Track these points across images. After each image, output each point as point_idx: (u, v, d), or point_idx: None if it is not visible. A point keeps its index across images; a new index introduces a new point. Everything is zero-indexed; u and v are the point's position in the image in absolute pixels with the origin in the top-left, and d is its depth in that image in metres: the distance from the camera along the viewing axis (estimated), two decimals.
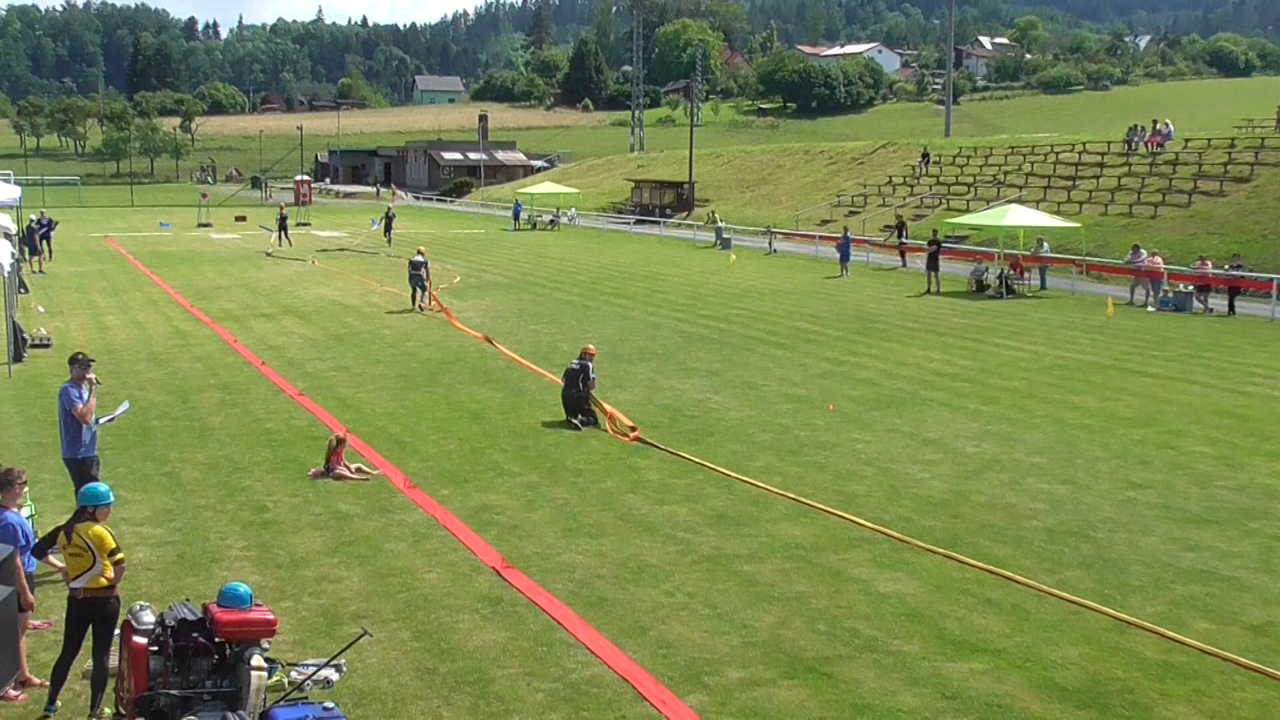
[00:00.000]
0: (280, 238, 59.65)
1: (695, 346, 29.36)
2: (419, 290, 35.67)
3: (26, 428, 20.23)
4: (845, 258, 48.16)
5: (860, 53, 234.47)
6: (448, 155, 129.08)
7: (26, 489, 11.53)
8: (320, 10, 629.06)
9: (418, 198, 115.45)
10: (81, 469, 13.84)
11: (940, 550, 14.22)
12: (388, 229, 62.61)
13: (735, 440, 19.74)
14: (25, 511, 11.32)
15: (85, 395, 13.97)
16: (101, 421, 14.35)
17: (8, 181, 57.16)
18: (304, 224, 73.77)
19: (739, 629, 11.83)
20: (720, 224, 64.63)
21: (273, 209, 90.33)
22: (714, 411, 22.00)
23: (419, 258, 36.42)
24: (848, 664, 11.05)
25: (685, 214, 78.43)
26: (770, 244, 59.02)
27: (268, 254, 54.70)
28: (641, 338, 30.67)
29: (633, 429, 20.05)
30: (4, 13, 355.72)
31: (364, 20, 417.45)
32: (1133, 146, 59.34)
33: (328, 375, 25.37)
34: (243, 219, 71.71)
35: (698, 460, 18.29)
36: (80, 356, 14.28)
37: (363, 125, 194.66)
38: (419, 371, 25.87)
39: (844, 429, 20.60)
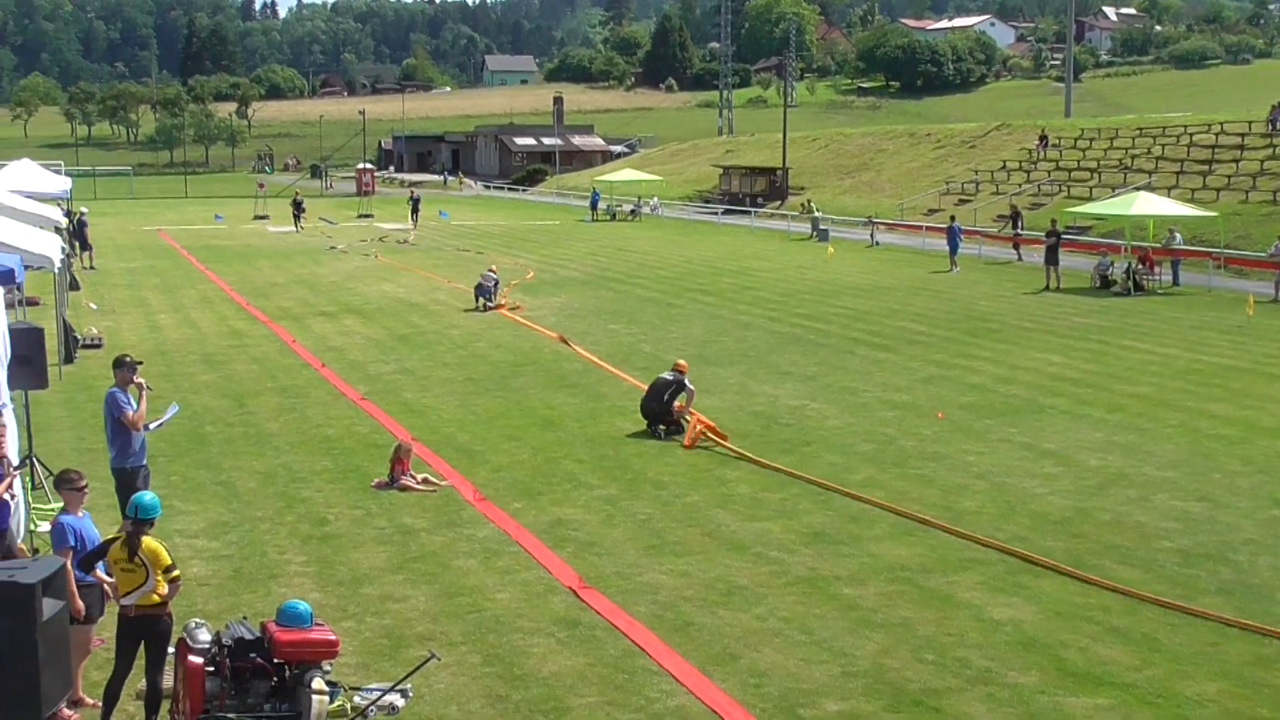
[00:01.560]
0: (414, 222, 65.78)
1: (789, 348, 29.26)
2: (484, 301, 35.83)
3: (77, 433, 20.65)
4: (954, 250, 47.74)
5: (970, 26, 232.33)
6: (520, 141, 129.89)
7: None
8: None
9: (488, 186, 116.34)
10: (129, 479, 13.98)
11: (1063, 569, 14.03)
12: (414, 211, 67.08)
13: (834, 451, 19.64)
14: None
15: (134, 400, 14.14)
16: (151, 427, 14.53)
17: (58, 172, 58.51)
18: (366, 215, 74.67)
19: (838, 657, 11.75)
20: (816, 214, 64.35)
21: (337, 200, 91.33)
22: (810, 420, 21.90)
23: (490, 274, 36.63)
24: (957, 697, 10.92)
25: (778, 203, 78.17)
26: (872, 236, 58.67)
27: (407, 241, 57.86)
28: (730, 339, 30.62)
29: (720, 436, 20.04)
30: None
31: None
32: (1277, 126, 58.18)
33: (391, 378, 25.63)
34: (331, 219, 72.70)
35: (792, 472, 18.21)
36: (126, 359, 14.47)
37: (429, 109, 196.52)
38: (489, 375, 26.03)
39: (953, 439, 20.42)
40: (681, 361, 22.06)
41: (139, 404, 14.11)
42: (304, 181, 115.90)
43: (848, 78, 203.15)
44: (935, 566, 14.31)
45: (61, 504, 11.23)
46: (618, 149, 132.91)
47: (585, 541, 15.22)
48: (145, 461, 14.43)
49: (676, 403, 20.85)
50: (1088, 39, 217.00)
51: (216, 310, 35.94)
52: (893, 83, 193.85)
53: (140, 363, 14.82)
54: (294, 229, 64.76)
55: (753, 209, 75.53)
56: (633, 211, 77.03)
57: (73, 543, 10.59)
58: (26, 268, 23.02)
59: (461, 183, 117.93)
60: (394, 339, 30.72)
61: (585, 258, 51.68)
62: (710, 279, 43.85)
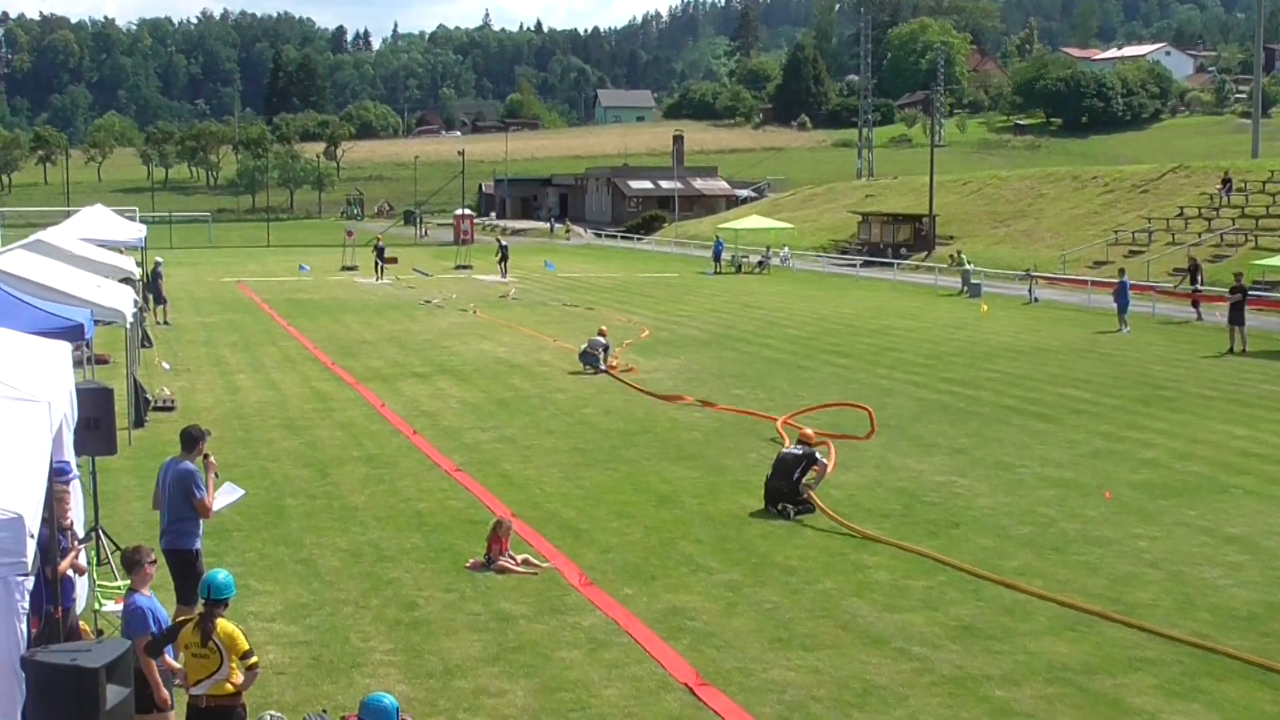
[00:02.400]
0: (502, 271, 68.43)
1: (936, 417, 29.02)
2: (589, 367, 36.00)
3: (146, 504, 21.00)
4: (1124, 308, 47.07)
5: (1143, 55, 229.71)
6: (635, 184, 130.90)
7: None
8: (486, 15, 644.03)
9: (599, 234, 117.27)
10: (191, 562, 14.13)
11: (1254, 664, 13.69)
12: (502, 260, 70.16)
13: (985, 534, 19.41)
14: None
15: (205, 483, 14.34)
16: (215, 508, 14.74)
17: (132, 219, 60.06)
18: (464, 266, 75.65)
19: None
20: (968, 266, 63.87)
21: (433, 249, 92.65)
22: (959, 498, 21.68)
23: (599, 339, 36.85)
24: None
25: (924, 254, 77.73)
26: (1030, 291, 58.07)
27: (508, 295, 58.58)
28: (869, 405, 30.42)
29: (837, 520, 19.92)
30: (134, 26, 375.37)
31: (537, 25, 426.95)
32: None
33: (490, 447, 25.84)
34: (393, 261, 73.83)
35: (938, 557, 18.03)
36: (195, 430, 14.75)
37: (534, 149, 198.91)
38: (598, 444, 26.14)
39: (1123, 521, 20.08)
40: (809, 431, 21.97)
41: (208, 484, 14.34)
42: (397, 229, 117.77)
43: (1003, 114, 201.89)
44: (1101, 666, 14.06)
45: (128, 582, 11.46)
46: (744, 193, 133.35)
47: (703, 632, 15.17)
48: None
49: (806, 479, 20.75)
50: (1278, 68, 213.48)
51: (299, 370, 36.58)
52: (1054, 119, 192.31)
53: (209, 433, 15.09)
54: (376, 279, 66.40)
55: (895, 261, 75.20)
56: (760, 263, 77.10)
57: (153, 628, 10.76)
58: (96, 322, 23.68)
59: (569, 231, 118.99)
60: (493, 403, 30.99)
61: (706, 314, 51.78)
62: (847, 339, 43.67)
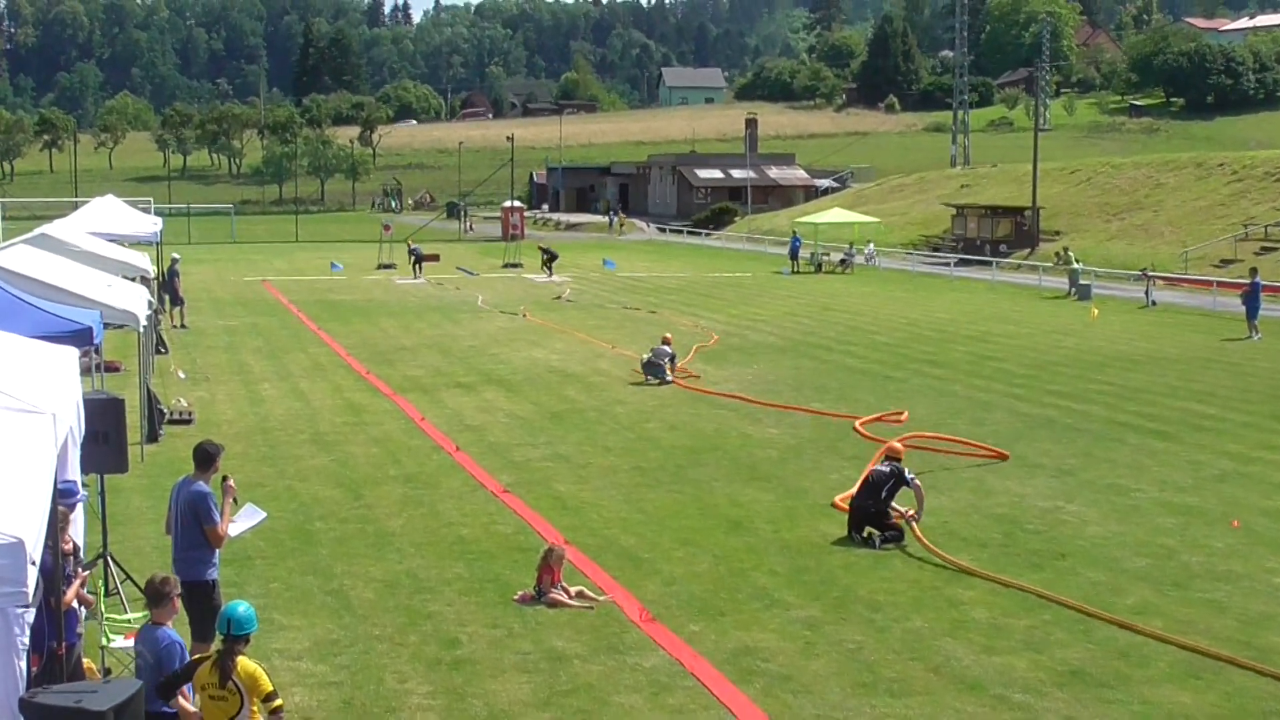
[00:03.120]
0: (548, 274, 68.89)
1: (1039, 434, 28.84)
2: (653, 378, 35.99)
3: (159, 527, 21.11)
4: (1254, 312, 46.60)
5: (1278, 25, 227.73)
6: (703, 173, 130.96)
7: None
8: None
9: (662, 229, 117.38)
10: (207, 593, 14.15)
11: None
12: (548, 262, 70.20)
13: (1096, 566, 19.26)
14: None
15: (220, 508, 14.37)
16: (232, 534, 14.78)
17: (147, 211, 60.57)
18: (514, 264, 75.90)
19: None
20: (1076, 265, 63.47)
21: (479, 245, 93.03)
22: (1066, 525, 21.53)
23: (664, 348, 36.80)
24: None
25: (1027, 251, 77.31)
26: (1148, 293, 57.64)
27: (562, 297, 58.93)
28: (965, 421, 30.27)
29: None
30: None
31: None
32: None
33: (541, 466, 25.86)
34: (435, 258, 74.12)
35: (1043, 593, 17.90)
36: (209, 447, 14.78)
37: (592, 134, 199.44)
38: (661, 463, 26.12)
39: (1254, 554, 19.88)
40: (897, 444, 21.85)
41: (224, 508, 14.37)
42: (439, 222, 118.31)
43: (1116, 93, 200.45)
44: (1231, 717, 13.93)
45: (139, 615, 11.50)
46: (825, 183, 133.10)
47: (778, 675, 15.10)
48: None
49: (895, 502, 20.64)
50: None
51: (330, 379, 36.77)
52: (1175, 99, 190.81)
53: (222, 448, 15.12)
54: (416, 278, 67.12)
55: (994, 259, 74.82)
56: (843, 261, 76.93)
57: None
58: (106, 325, 23.85)
59: (622, 225, 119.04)
60: (545, 417, 31.03)
61: (783, 318, 51.70)
62: (940, 346, 43.48)
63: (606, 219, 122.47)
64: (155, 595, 11.30)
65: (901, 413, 30.82)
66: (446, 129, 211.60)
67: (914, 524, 20.50)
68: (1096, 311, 53.46)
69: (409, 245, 70.16)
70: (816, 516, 22.00)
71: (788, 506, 22.72)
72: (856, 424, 29.44)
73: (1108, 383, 36.08)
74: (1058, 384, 35.81)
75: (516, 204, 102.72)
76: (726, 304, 56.89)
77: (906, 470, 20.87)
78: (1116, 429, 29.51)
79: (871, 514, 20.52)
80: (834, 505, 22.47)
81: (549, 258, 70.15)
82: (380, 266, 74.59)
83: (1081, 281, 60.84)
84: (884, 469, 20.89)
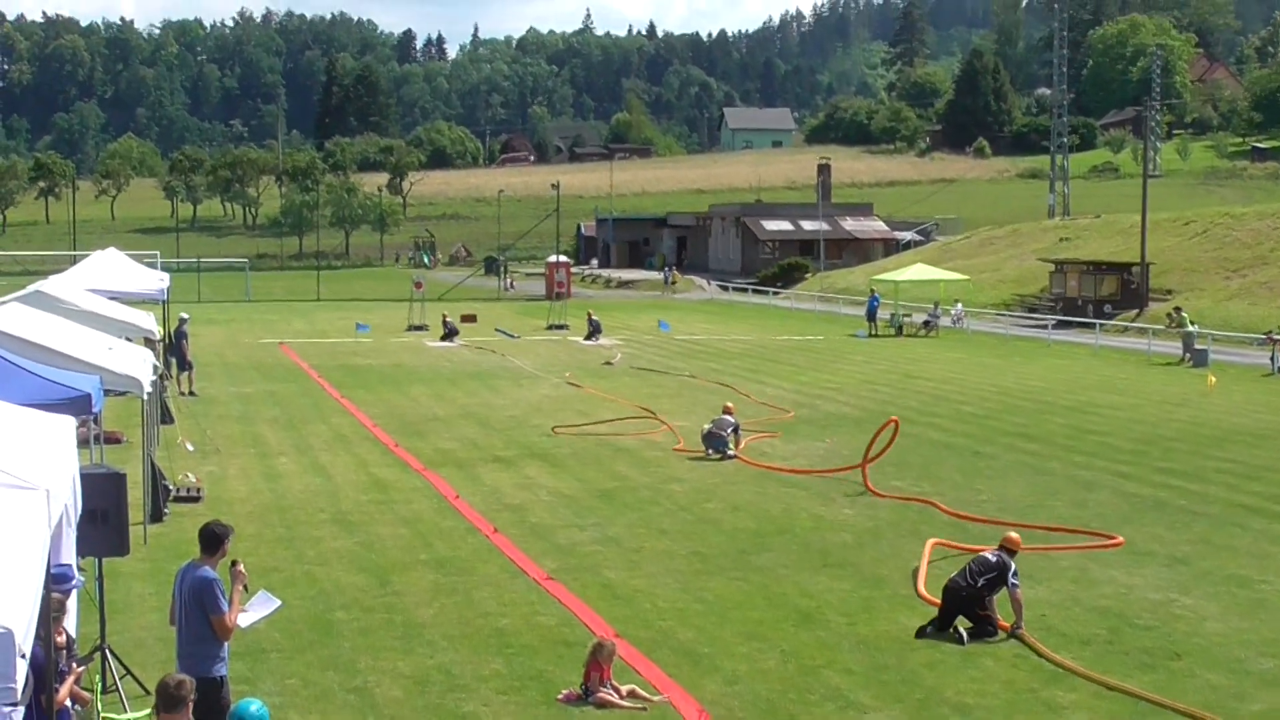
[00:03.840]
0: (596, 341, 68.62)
1: (1149, 518, 28.63)
2: (713, 451, 36.00)
3: (163, 616, 21.16)
4: None
5: None
6: (770, 224, 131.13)
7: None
8: (588, 16, 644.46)
9: (724, 287, 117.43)
10: (214, 692, 14.17)
11: None
12: (593, 334, 70.14)
13: (1216, 668, 19.10)
14: None
15: (229, 595, 14.36)
16: (242, 625, 14.76)
17: (153, 265, 61.03)
18: (559, 326, 76.07)
19: None
20: (1191, 327, 63.13)
21: (520, 304, 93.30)
22: (1180, 620, 21.35)
23: (726, 418, 36.79)
24: None
25: (1135, 312, 76.97)
26: (1273, 359, 57.28)
27: (611, 363, 59.15)
28: (1063, 502, 30.10)
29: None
30: (156, 30, 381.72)
31: (650, 29, 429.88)
32: None
33: (589, 551, 25.84)
34: (471, 319, 74.43)
35: (1154, 698, 17.76)
36: (216, 528, 14.79)
37: (646, 181, 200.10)
38: (723, 547, 26.05)
39: None
40: (1014, 535, 21.43)
41: (233, 595, 14.36)
42: (476, 279, 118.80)
43: (1237, 134, 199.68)
44: None
45: (145, 715, 11.51)
46: (906, 236, 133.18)
47: None
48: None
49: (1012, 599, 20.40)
50: None
51: (355, 453, 36.87)
52: None
53: (231, 530, 15.10)
54: (448, 343, 67.48)
55: (1097, 320, 74.52)
56: (926, 323, 76.78)
57: None
58: (107, 392, 24.01)
59: (675, 282, 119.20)
60: (593, 495, 31.02)
61: (859, 387, 51.62)
62: (1035, 418, 43.31)
63: (661, 275, 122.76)
64: (169, 699, 11.22)
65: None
66: (485, 175, 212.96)
67: (1014, 636, 20.22)
68: (1214, 380, 53.11)
69: (444, 319, 70.17)
70: (897, 608, 21.88)
71: (864, 597, 22.61)
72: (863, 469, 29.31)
73: (1228, 460, 35.80)
74: (1170, 461, 35.56)
75: (562, 259, 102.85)
76: (796, 370, 56.86)
77: (1013, 568, 20.50)
78: (1238, 512, 29.26)
79: (964, 598, 20.25)
80: (918, 594, 22.37)
81: (594, 329, 70.07)
82: (411, 328, 74.87)
83: (1197, 346, 60.46)
84: (991, 557, 20.63)
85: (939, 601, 20.85)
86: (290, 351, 63.99)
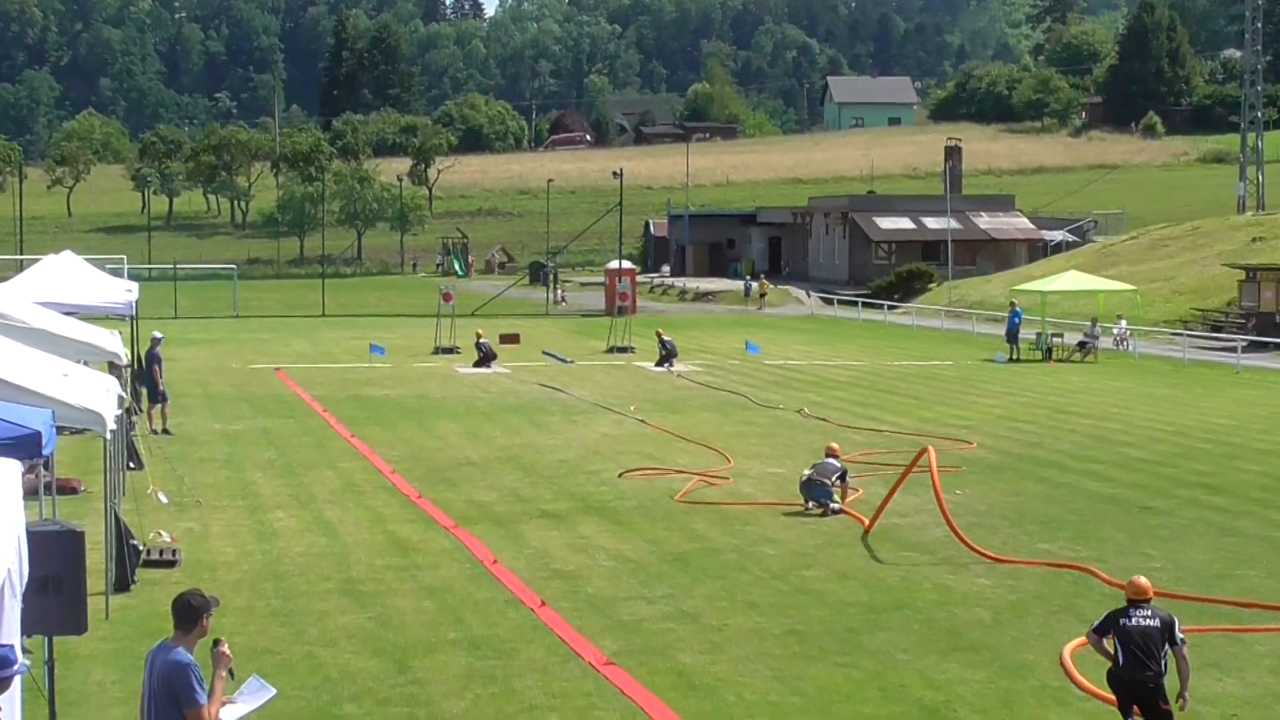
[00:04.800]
0: (668, 368, 68.78)
1: None
2: (816, 504, 35.97)
3: (130, 709, 21.23)
4: None
5: None
6: (886, 222, 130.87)
7: None
8: None
9: (828, 299, 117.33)
10: None
11: None
12: (666, 359, 69.67)
13: None
14: None
15: (204, 678, 14.31)
16: None
17: (119, 273, 61.32)
18: (622, 348, 76.03)
19: None
20: None
21: (573, 320, 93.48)
22: None
23: (831, 461, 36.67)
24: None
25: None
26: None
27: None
28: (1258, 571, 29.88)
29: None
30: None
31: None
32: None
33: (659, 629, 25.81)
34: (513, 340, 74.62)
35: None
36: (194, 599, 14.70)
37: (731, 168, 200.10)
38: (827, 625, 25.99)
39: None
40: (1142, 580, 20.67)
41: (214, 684, 14.31)
42: (518, 290, 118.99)
43: None
44: None
45: None
46: (1056, 236, 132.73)
47: None
48: None
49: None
50: None
51: (368, 505, 36.95)
52: None
53: (215, 602, 15.08)
54: (484, 369, 67.99)
55: None
56: (1082, 345, 76.46)
57: None
58: (60, 430, 24.06)
59: (763, 294, 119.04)
60: (664, 560, 30.96)
61: (997, 423, 51.49)
62: (1221, 465, 43.05)
63: (743, 285, 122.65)
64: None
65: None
66: (530, 162, 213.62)
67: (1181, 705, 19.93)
68: None
69: (477, 339, 69.98)
70: (1045, 702, 21.77)
71: (1004, 689, 22.52)
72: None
73: None
74: None
75: (626, 265, 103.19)
76: (917, 404, 56.73)
77: (1178, 624, 19.96)
78: None
79: (1150, 689, 19.65)
80: (1074, 682, 22.22)
81: (666, 353, 69.88)
82: (438, 350, 75.03)
83: None
84: (1151, 625, 20.02)
85: (1108, 694, 20.43)
86: (289, 379, 64.25)
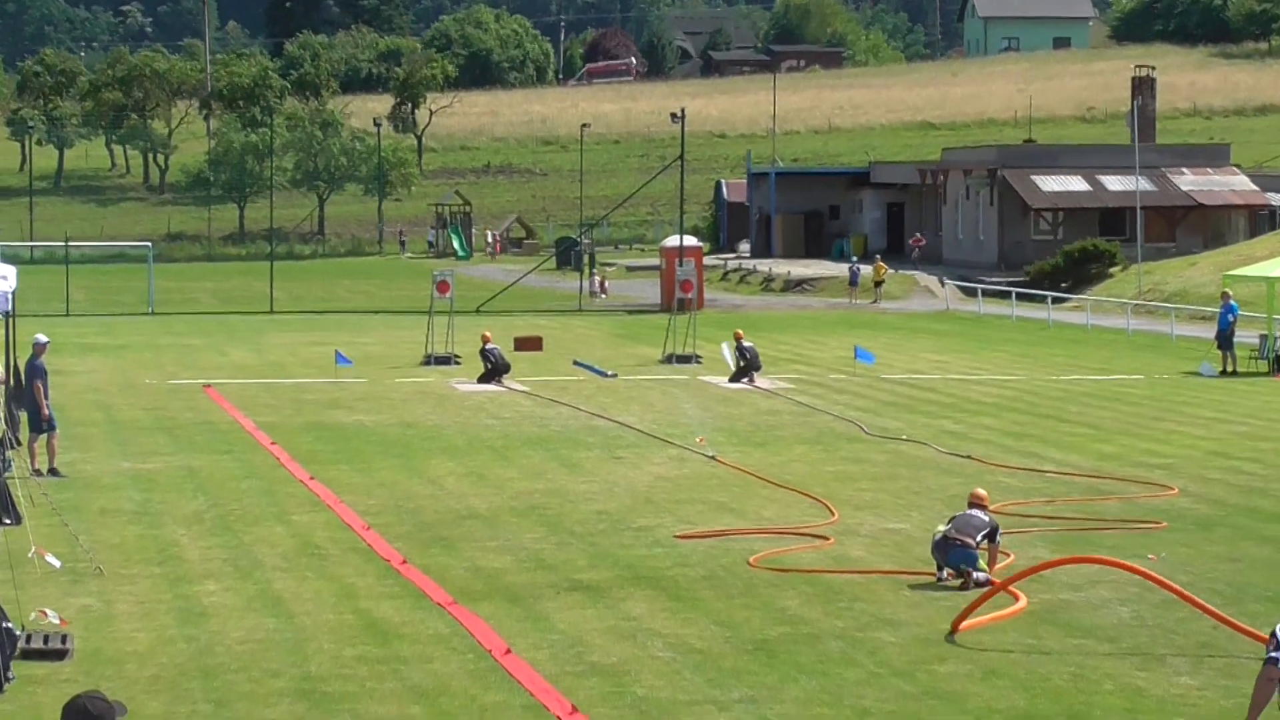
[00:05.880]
0: (747, 380, 69.40)
1: None
2: (952, 571, 35.93)
3: None
4: None
5: None
6: (1050, 183, 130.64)
7: None
8: None
9: (969, 289, 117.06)
10: None
11: None
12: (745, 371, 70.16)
13: None
14: None
15: None
16: None
17: None
18: (685, 357, 75.98)
19: None
20: None
21: (615, 319, 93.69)
22: None
23: (976, 513, 36.57)
24: None
25: None
26: None
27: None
28: None
29: None
30: None
31: None
32: None
33: None
34: (534, 345, 74.65)
35: None
36: (91, 705, 14.69)
37: (835, 108, 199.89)
38: None
39: None
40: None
41: None
42: (542, 275, 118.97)
43: None
44: None
45: None
46: None
47: None
48: None
49: None
50: None
51: (334, 574, 36.95)
52: None
53: (122, 709, 15.09)
54: (494, 386, 68.55)
55: None
56: None
57: None
58: None
59: (879, 280, 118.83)
60: (741, 649, 30.93)
61: (1206, 462, 51.35)
62: None
63: (848, 270, 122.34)
64: None
65: None
66: (558, 100, 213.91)
67: None
68: None
69: (484, 344, 69.78)
70: None
71: None
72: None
73: None
74: None
75: (690, 242, 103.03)
76: (1093, 435, 56.71)
77: None
78: None
79: None
80: None
81: (746, 364, 69.70)
82: (430, 360, 75.16)
83: None
84: None
85: None
86: (224, 401, 64.40)
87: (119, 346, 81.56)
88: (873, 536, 40.26)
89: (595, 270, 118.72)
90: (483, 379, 68.71)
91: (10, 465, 40.82)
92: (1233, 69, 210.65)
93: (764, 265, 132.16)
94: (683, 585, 35.77)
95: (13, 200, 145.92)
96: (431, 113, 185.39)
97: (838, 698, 27.96)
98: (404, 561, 37.80)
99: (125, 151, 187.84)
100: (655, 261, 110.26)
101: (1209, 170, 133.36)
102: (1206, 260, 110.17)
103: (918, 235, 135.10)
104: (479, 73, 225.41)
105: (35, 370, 49.18)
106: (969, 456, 51.23)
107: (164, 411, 61.51)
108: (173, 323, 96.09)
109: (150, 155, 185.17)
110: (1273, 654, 20.21)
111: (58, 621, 31.34)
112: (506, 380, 68.31)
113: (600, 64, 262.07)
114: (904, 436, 55.31)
